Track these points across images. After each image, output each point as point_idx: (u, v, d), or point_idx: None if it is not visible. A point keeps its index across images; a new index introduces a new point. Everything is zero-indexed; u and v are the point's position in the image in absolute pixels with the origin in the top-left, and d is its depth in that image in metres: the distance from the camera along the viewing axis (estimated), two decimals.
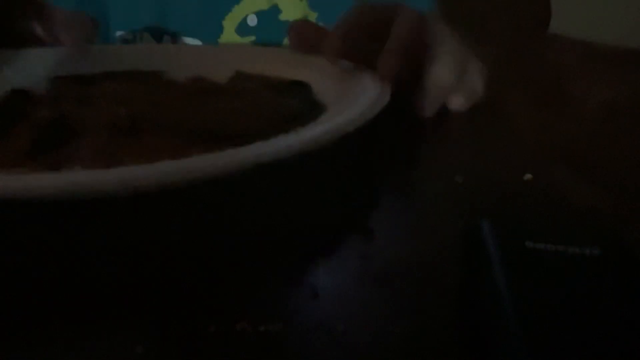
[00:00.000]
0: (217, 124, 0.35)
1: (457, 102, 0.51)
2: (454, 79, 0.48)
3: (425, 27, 0.47)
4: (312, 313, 0.25)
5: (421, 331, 0.24)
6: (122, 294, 0.26)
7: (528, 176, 0.37)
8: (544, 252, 0.26)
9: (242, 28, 0.66)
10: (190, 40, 0.65)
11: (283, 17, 0.67)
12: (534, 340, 0.21)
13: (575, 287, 0.24)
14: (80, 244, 0.29)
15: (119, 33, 0.66)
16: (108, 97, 0.38)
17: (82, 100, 0.38)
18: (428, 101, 0.48)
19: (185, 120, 0.35)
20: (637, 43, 1.35)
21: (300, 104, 0.41)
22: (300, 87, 0.43)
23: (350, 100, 0.37)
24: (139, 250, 0.29)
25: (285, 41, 0.65)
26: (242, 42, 0.65)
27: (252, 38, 0.66)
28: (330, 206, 0.33)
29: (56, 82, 0.45)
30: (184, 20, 0.66)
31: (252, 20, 0.66)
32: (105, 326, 0.24)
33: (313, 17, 0.68)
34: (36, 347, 0.23)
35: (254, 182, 0.33)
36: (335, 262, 0.28)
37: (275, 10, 0.67)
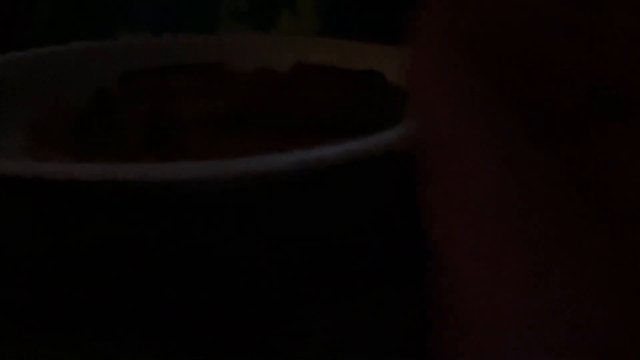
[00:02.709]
0: (319, 116, 0.35)
1: None
2: None
3: None
4: (311, 314, 0.25)
5: (421, 331, 0.24)
6: (123, 293, 0.26)
7: None
8: None
9: (237, 14, 0.65)
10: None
11: None
12: None
13: None
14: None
15: (123, 35, 0.66)
16: (193, 91, 0.38)
17: (167, 96, 0.37)
18: None
19: (288, 113, 0.34)
20: None
21: (382, 93, 0.40)
22: (374, 76, 0.42)
23: None
24: (146, 250, 0.29)
25: (282, 18, 0.64)
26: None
27: (248, 22, 0.65)
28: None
29: (127, 77, 0.44)
30: (182, 15, 0.65)
31: (243, 5, 0.65)
32: (105, 326, 0.24)
33: None
34: (37, 347, 0.23)
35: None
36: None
37: None
